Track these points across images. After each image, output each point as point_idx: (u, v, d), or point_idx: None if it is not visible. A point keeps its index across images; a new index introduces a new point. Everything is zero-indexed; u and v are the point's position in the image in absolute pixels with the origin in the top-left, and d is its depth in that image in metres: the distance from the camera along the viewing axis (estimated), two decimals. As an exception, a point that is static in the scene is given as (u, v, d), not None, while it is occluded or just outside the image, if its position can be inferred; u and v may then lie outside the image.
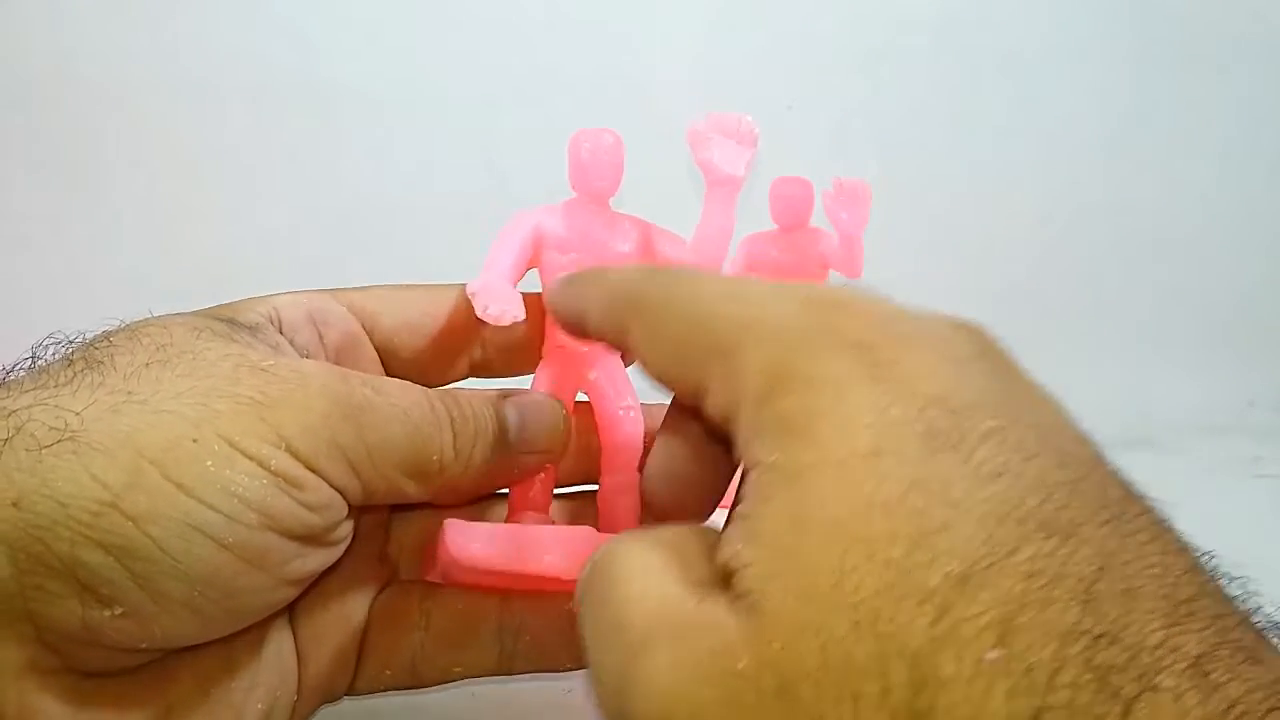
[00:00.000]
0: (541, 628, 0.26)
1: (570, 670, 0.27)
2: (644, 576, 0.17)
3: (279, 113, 0.62)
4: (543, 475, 0.28)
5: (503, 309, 0.26)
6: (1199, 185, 0.69)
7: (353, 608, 0.26)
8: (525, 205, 0.67)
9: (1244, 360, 0.63)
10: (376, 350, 0.28)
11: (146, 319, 0.23)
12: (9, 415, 0.19)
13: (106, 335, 0.22)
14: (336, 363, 0.26)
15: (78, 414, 0.19)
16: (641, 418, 0.28)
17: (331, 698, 0.26)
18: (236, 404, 0.20)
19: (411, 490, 0.23)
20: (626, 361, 0.28)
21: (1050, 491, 0.15)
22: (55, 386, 0.20)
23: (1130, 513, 0.15)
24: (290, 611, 0.25)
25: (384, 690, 0.26)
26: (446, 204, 0.61)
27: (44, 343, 0.22)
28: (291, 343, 0.25)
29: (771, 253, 0.40)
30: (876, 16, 0.65)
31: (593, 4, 0.64)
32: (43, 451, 0.18)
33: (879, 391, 0.16)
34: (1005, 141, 0.67)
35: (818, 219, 0.40)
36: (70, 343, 0.22)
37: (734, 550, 0.16)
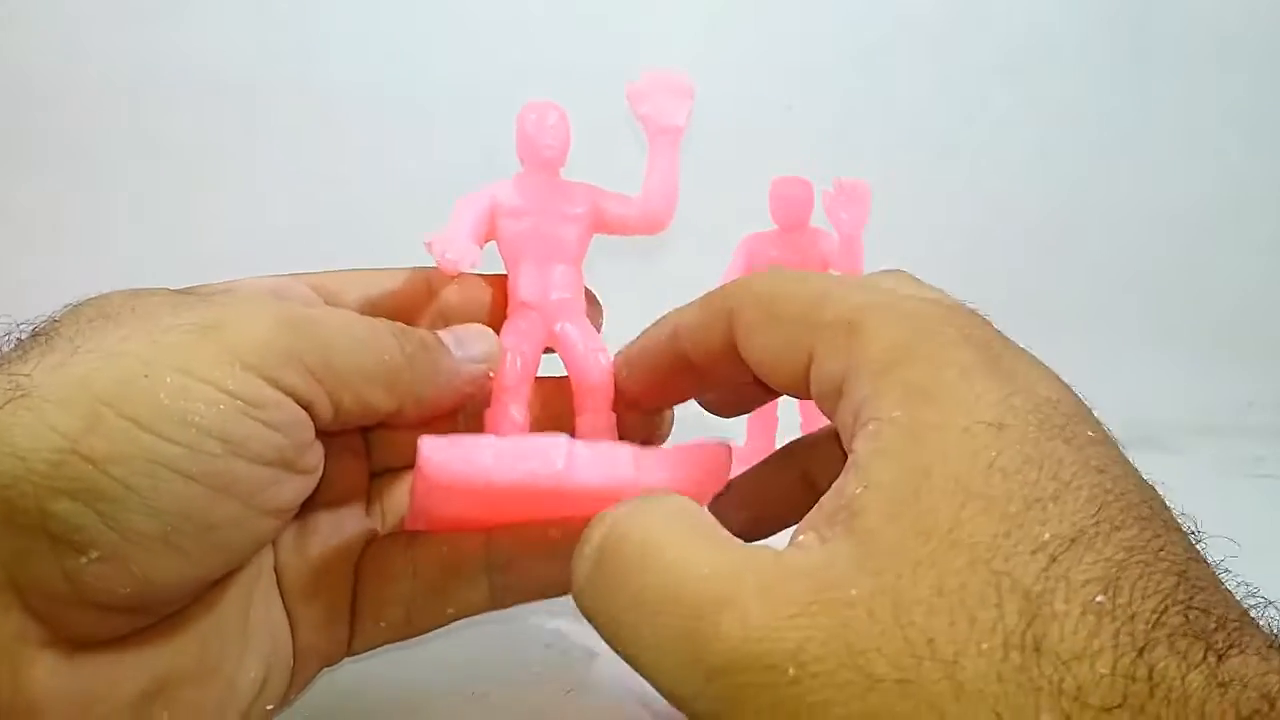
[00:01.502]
0: (528, 558, 0.26)
1: (560, 596, 0.27)
2: (681, 544, 0.18)
3: (279, 113, 0.62)
4: (515, 404, 0.28)
5: (460, 254, 0.27)
6: (1199, 185, 0.69)
7: (339, 565, 0.26)
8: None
9: (1244, 360, 0.63)
10: None
11: (86, 298, 0.23)
12: None
13: (50, 317, 0.22)
14: None
15: (28, 375, 0.19)
16: (610, 361, 0.29)
17: (330, 660, 0.25)
18: (184, 334, 0.20)
19: (378, 399, 0.23)
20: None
21: (1146, 494, 0.17)
22: (4, 363, 0.20)
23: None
24: (278, 576, 0.24)
25: (382, 644, 0.26)
26: (446, 204, 0.61)
27: None
28: None
29: (771, 253, 0.40)
30: (876, 16, 0.65)
31: (593, 4, 0.64)
32: None
33: (1001, 380, 0.18)
34: (1005, 142, 0.67)
35: (818, 219, 0.40)
36: (18, 329, 0.22)
37: (853, 494, 0.17)
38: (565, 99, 0.65)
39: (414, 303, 0.29)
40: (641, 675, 0.18)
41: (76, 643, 0.19)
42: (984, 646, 0.15)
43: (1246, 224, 0.70)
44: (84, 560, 0.18)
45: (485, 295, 0.30)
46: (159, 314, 0.21)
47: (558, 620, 0.34)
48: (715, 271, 0.41)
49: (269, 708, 0.23)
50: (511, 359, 0.29)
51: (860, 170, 0.40)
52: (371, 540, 0.27)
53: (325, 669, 0.26)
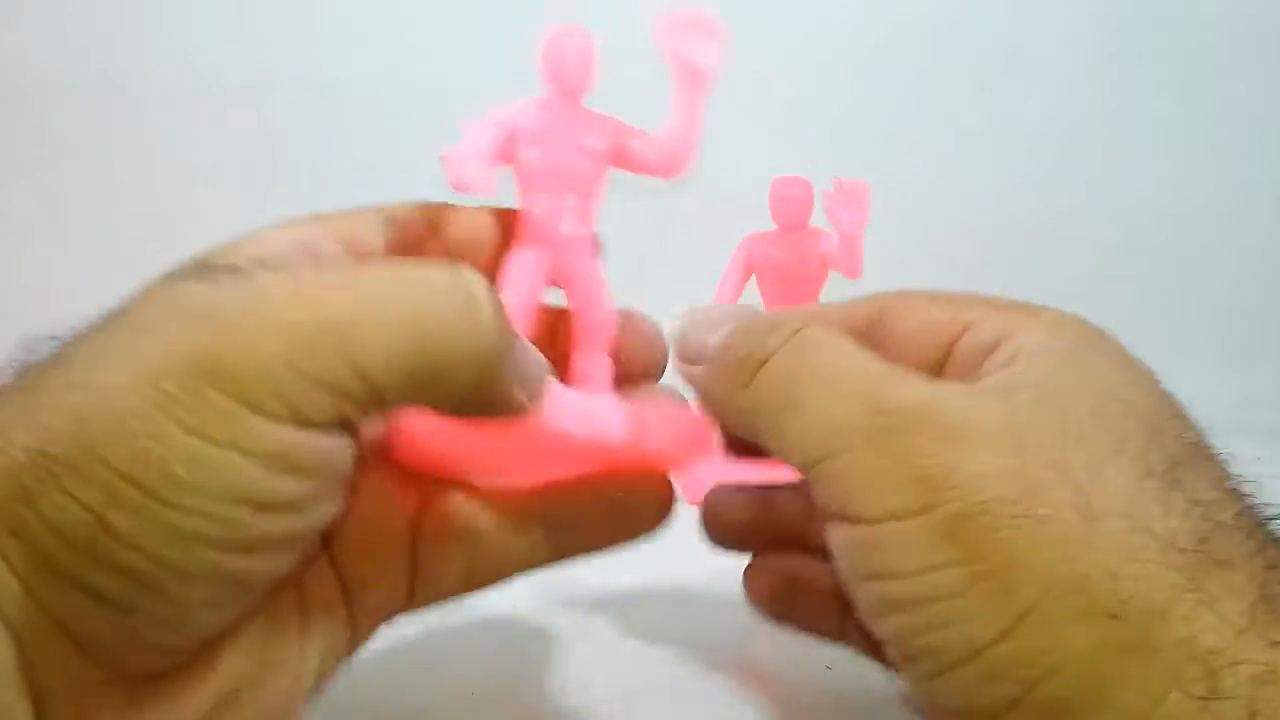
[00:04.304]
0: (587, 510, 0.25)
1: (616, 549, 0.26)
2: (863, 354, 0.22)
3: (279, 113, 0.62)
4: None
5: (473, 176, 0.26)
6: (1199, 185, 0.69)
7: (393, 525, 0.24)
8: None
9: (1244, 360, 0.63)
10: None
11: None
12: None
13: (88, 321, 0.21)
14: None
15: (47, 427, 0.18)
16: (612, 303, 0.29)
17: (387, 619, 0.24)
18: (185, 377, 0.18)
19: (418, 403, 0.21)
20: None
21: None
22: (31, 393, 0.19)
23: None
24: (328, 545, 0.23)
25: (442, 600, 0.25)
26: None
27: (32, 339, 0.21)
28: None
29: (771, 253, 0.40)
30: (876, 16, 0.65)
31: (592, 4, 0.64)
32: (23, 476, 0.18)
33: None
34: (1005, 142, 0.67)
35: (818, 219, 0.40)
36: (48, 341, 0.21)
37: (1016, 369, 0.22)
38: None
39: (420, 239, 0.27)
40: (779, 443, 0.21)
41: (137, 679, 0.19)
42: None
43: (1246, 224, 0.70)
44: (131, 619, 0.18)
45: (490, 229, 0.29)
46: (157, 331, 0.19)
47: (558, 620, 0.34)
48: (715, 271, 0.41)
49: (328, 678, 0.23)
50: (514, 292, 0.28)
51: (860, 170, 0.40)
52: (426, 496, 0.25)
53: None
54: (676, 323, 0.26)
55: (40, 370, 0.20)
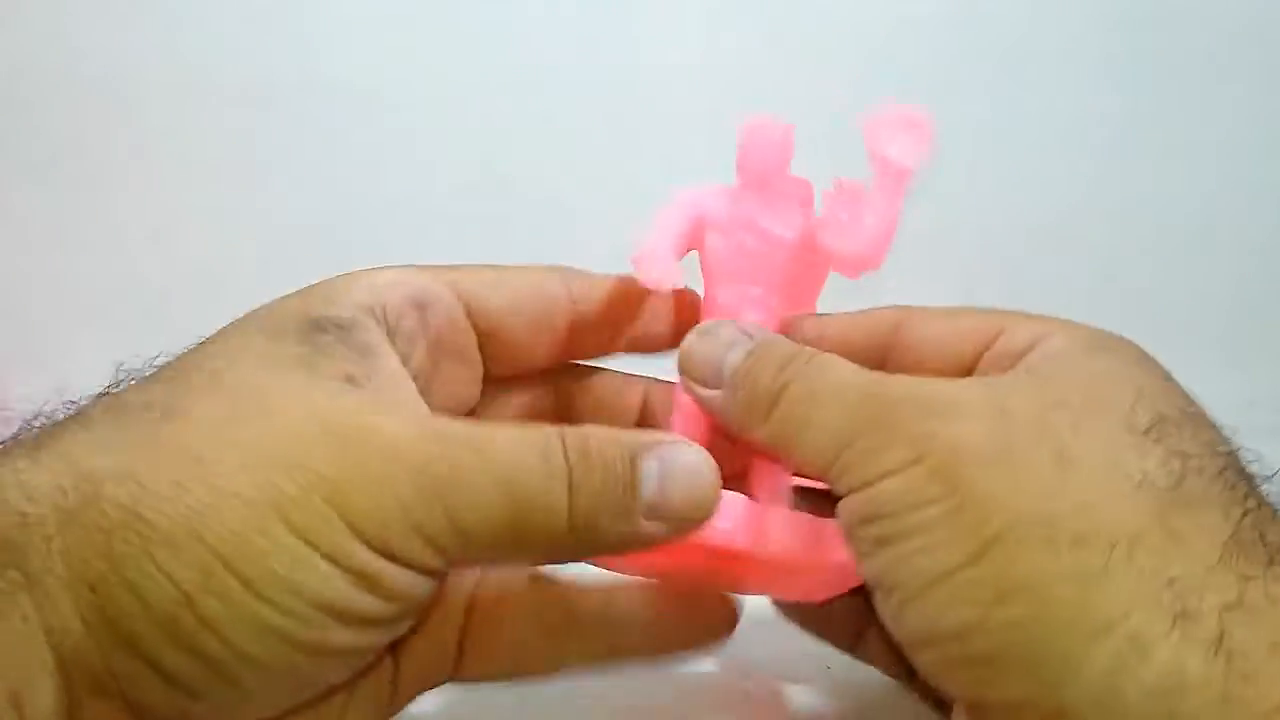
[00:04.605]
0: (654, 615, 0.25)
1: (682, 654, 0.26)
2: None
3: (279, 113, 0.62)
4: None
5: (663, 275, 0.27)
6: (1199, 185, 0.69)
7: (451, 601, 0.24)
8: (525, 205, 0.67)
9: (1244, 360, 0.63)
10: (478, 333, 0.27)
11: (222, 333, 0.22)
12: (87, 477, 0.18)
13: (177, 363, 0.21)
14: (436, 348, 0.26)
15: (144, 486, 0.18)
16: None
17: (430, 688, 0.25)
18: (306, 485, 0.19)
19: (508, 563, 0.23)
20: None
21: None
22: (131, 448, 0.19)
23: None
24: None
25: (485, 680, 0.26)
26: (446, 204, 0.61)
27: (121, 370, 0.21)
28: (394, 331, 0.24)
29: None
30: (876, 16, 0.65)
31: (592, 3, 0.64)
32: (112, 535, 0.18)
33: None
34: (1004, 142, 0.66)
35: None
36: (146, 367, 0.21)
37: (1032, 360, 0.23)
38: (565, 99, 0.64)
39: (554, 311, 0.27)
40: (798, 458, 0.23)
41: None
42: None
43: (1247, 224, 0.70)
44: (195, 704, 0.18)
45: (668, 317, 0.29)
46: (286, 429, 0.19)
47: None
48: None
49: None
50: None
51: (860, 170, 0.40)
52: (482, 578, 0.25)
53: None
54: (686, 339, 0.26)
55: (136, 414, 0.20)
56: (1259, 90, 0.69)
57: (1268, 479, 0.22)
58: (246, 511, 0.18)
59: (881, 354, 0.26)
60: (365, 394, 0.21)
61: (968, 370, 0.25)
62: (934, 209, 0.65)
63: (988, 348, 0.25)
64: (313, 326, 0.22)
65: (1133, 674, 0.17)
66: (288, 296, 0.24)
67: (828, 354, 0.24)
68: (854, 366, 0.23)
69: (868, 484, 0.21)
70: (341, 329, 0.22)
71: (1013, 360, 0.24)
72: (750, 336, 0.25)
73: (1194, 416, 0.22)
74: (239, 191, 0.60)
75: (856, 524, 0.21)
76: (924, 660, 0.20)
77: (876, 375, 0.23)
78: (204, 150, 0.61)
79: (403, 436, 0.20)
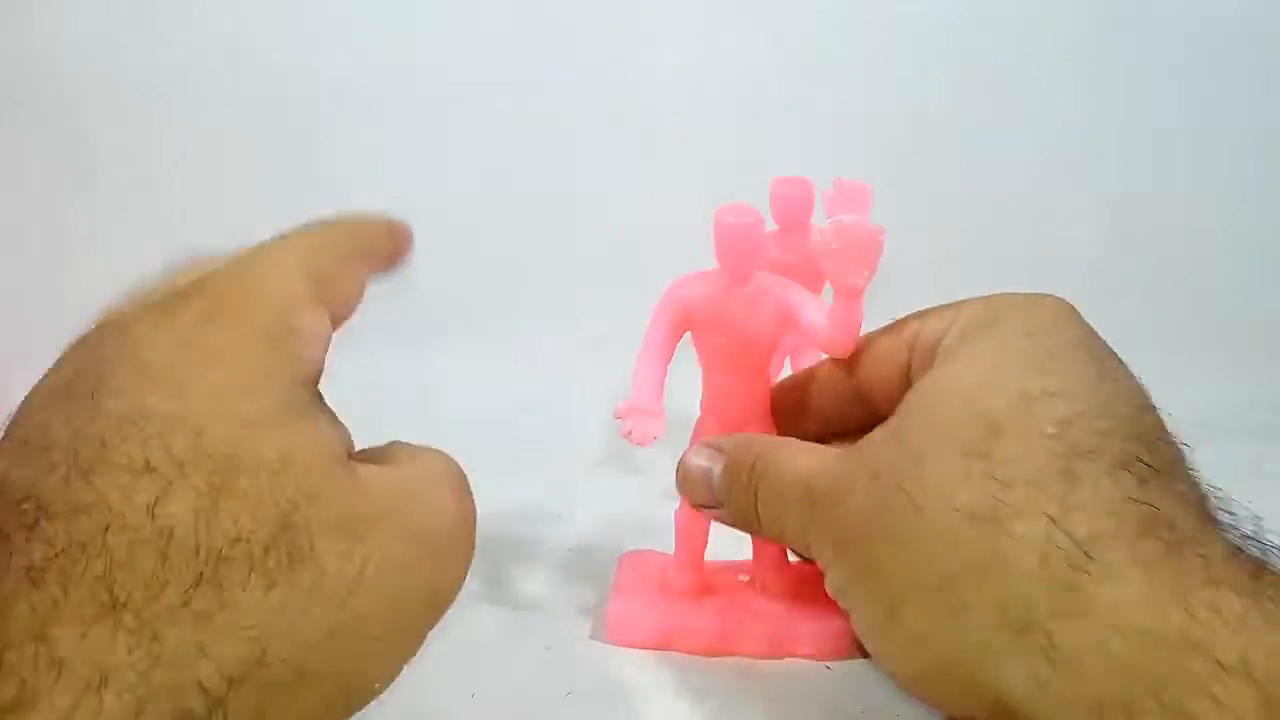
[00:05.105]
0: None
1: None
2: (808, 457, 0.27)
3: (279, 113, 0.62)
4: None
5: (646, 431, 0.30)
6: (1199, 184, 0.69)
7: None
8: (526, 206, 0.67)
9: (1244, 360, 0.63)
10: None
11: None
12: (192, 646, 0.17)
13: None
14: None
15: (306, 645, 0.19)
16: None
17: None
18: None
19: None
20: None
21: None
22: (289, 593, 0.19)
23: None
24: None
25: None
26: (447, 204, 0.61)
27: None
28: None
29: (772, 253, 0.40)
30: (876, 16, 0.65)
31: (592, 4, 0.64)
32: (273, 684, 0.18)
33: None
34: (1004, 142, 0.67)
35: (818, 219, 0.40)
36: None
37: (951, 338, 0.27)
38: (564, 99, 0.64)
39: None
40: (776, 537, 0.28)
41: None
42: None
43: (1247, 224, 0.70)
44: None
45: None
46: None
47: (557, 621, 0.34)
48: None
49: None
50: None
51: (860, 170, 0.40)
52: None
53: None
54: (678, 474, 0.31)
55: (289, 566, 0.19)
56: (1260, 90, 0.69)
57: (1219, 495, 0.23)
58: None
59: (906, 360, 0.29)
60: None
61: (906, 371, 0.29)
62: (934, 209, 0.66)
63: (914, 349, 0.28)
64: (334, 422, 0.22)
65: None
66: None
67: (778, 449, 0.28)
68: (793, 454, 0.28)
69: (825, 571, 0.26)
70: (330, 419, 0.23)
71: (928, 356, 0.27)
72: (721, 450, 0.30)
73: (1048, 398, 0.23)
74: (241, 191, 0.60)
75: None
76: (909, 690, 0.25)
77: (805, 466, 0.27)
78: (206, 150, 0.62)
79: None
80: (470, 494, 0.24)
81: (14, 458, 0.18)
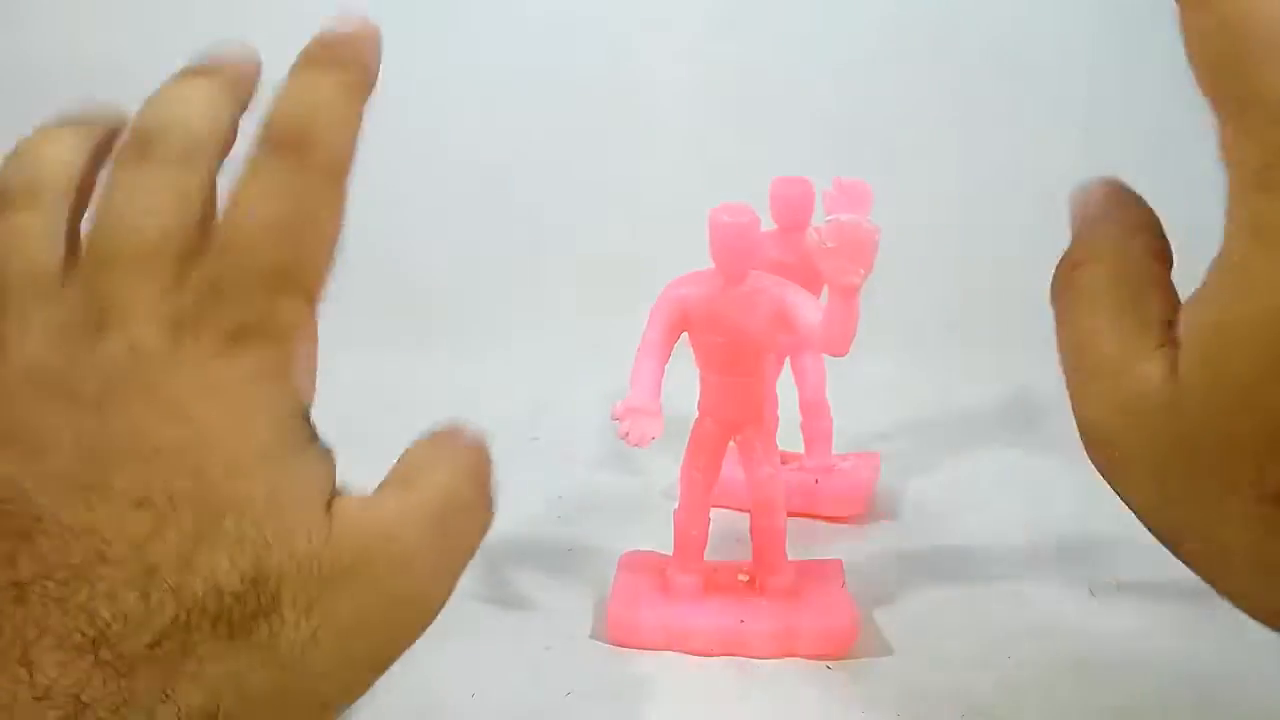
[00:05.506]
0: None
1: None
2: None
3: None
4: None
5: (644, 432, 0.30)
6: (1199, 184, 0.69)
7: None
8: (527, 208, 0.67)
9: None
10: None
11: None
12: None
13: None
14: None
15: None
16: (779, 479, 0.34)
17: None
18: None
19: None
20: None
21: None
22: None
23: None
24: None
25: None
26: (447, 204, 0.61)
27: None
28: None
29: (772, 253, 0.40)
30: (876, 16, 0.65)
31: (593, 4, 0.64)
32: None
33: None
34: (1004, 141, 0.66)
35: (818, 219, 0.40)
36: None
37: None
38: (564, 99, 0.64)
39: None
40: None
41: None
42: None
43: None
44: None
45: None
46: None
47: (557, 621, 0.34)
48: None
49: None
50: (689, 474, 0.33)
51: (860, 170, 0.40)
52: None
53: None
54: None
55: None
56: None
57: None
58: None
59: None
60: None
61: None
62: (933, 209, 0.66)
63: None
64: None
65: None
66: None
67: None
68: None
69: None
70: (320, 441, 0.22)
71: None
72: None
73: None
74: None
75: None
76: None
77: None
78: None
79: None
80: (473, 517, 0.22)
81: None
